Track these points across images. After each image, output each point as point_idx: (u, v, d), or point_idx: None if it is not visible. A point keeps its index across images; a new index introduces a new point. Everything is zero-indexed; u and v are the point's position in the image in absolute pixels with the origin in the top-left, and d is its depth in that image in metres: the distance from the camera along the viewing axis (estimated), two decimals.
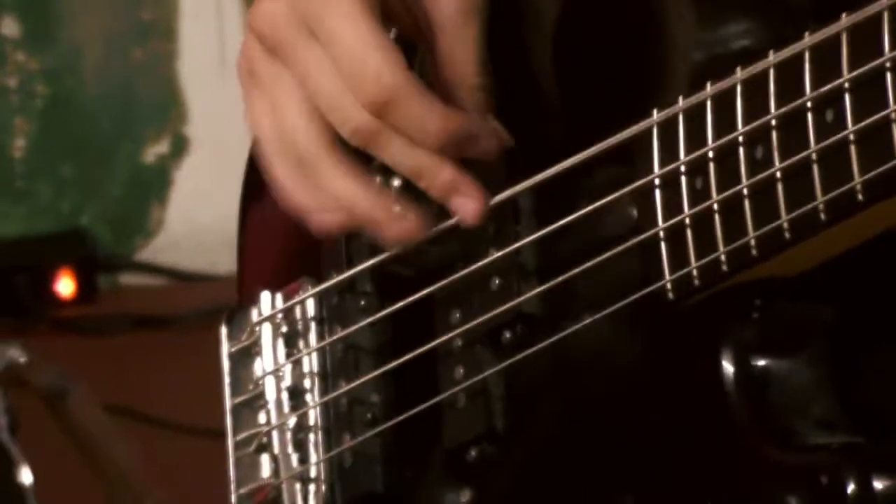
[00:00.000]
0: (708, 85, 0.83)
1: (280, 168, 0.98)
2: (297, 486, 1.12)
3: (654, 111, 0.88)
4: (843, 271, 0.86)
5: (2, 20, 3.53)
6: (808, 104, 0.79)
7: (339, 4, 0.93)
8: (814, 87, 0.79)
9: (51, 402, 2.31)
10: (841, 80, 0.78)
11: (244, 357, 1.14)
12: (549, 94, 1.05)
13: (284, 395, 1.12)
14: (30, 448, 2.37)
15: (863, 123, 0.75)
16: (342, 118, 0.94)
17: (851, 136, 0.76)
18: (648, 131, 0.89)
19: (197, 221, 3.64)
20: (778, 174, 0.80)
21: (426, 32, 0.98)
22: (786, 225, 0.81)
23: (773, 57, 0.83)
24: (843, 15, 0.81)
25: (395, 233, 0.96)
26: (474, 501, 1.05)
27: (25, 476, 2.18)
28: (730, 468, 0.89)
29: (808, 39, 0.81)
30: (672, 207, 0.88)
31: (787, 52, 0.83)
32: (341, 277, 1.09)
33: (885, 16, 0.77)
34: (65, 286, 3.20)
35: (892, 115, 0.74)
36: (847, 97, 0.78)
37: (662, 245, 0.88)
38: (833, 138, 0.77)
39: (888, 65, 0.76)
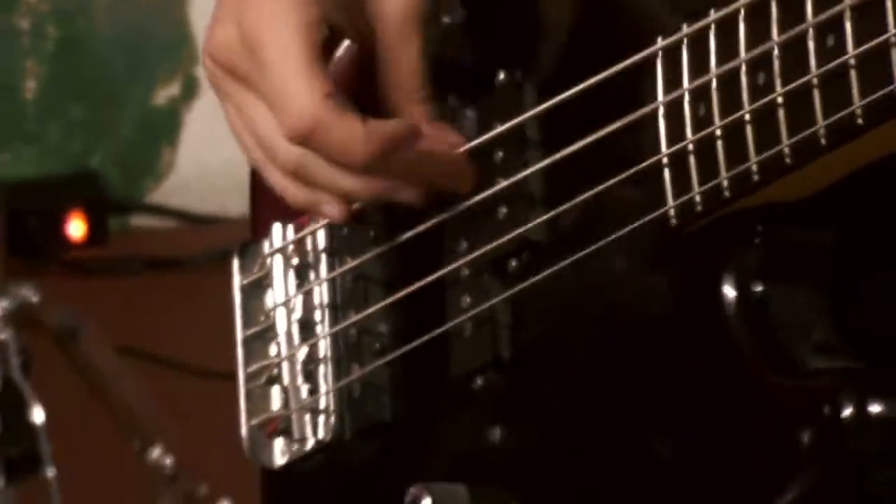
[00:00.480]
0: (711, 11, 0.85)
1: (272, 175, 1.01)
2: (307, 416, 1.14)
3: (659, 38, 0.89)
4: (843, 196, 0.86)
5: None
6: (810, 30, 0.80)
7: (278, 36, 0.96)
8: (815, 12, 0.80)
9: (62, 342, 2.32)
10: (842, 6, 0.79)
11: (256, 289, 1.16)
12: (557, 24, 1.04)
13: (295, 327, 1.15)
14: (41, 387, 2.41)
15: (862, 48, 0.77)
16: (271, 153, 0.99)
17: (851, 61, 0.78)
18: (652, 60, 0.91)
19: (208, 164, 3.55)
20: (779, 99, 0.82)
21: (372, 47, 1.02)
22: (787, 150, 0.83)
23: None
24: None
25: (404, 199, 1.00)
26: (478, 430, 1.07)
27: (37, 415, 2.23)
28: (730, 392, 0.90)
29: None
30: (675, 134, 0.90)
31: None
32: (351, 209, 1.09)
33: None
34: (76, 228, 3.10)
35: (892, 40, 0.75)
36: (848, 23, 0.79)
37: (666, 171, 0.90)
38: (833, 63, 0.78)
39: None
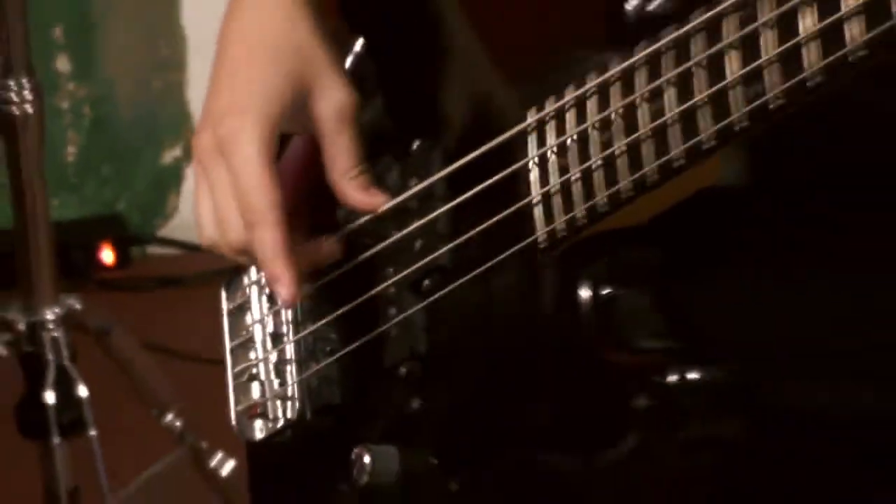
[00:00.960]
0: (570, 87, 1.17)
1: (222, 249, 1.32)
2: (279, 402, 1.50)
3: (528, 114, 1.22)
4: (667, 224, 1.18)
5: (57, 58, 4.19)
6: (640, 100, 1.12)
7: (241, 148, 1.28)
8: (645, 84, 1.11)
9: (99, 338, 2.71)
10: (660, 80, 1.10)
11: (238, 311, 1.50)
12: (455, 105, 1.38)
13: (268, 338, 1.48)
14: (84, 371, 2.58)
15: (679, 109, 1.06)
16: (227, 227, 1.30)
17: (669, 121, 1.08)
18: (525, 128, 1.22)
19: None
20: (617, 151, 1.12)
21: (315, 138, 1.36)
22: (625, 188, 1.14)
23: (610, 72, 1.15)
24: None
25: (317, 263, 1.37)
26: (403, 405, 1.42)
27: (82, 391, 2.53)
28: (586, 368, 1.24)
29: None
30: (543, 180, 1.22)
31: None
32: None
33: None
34: (106, 256, 3.89)
35: (698, 103, 1.06)
36: (666, 94, 1.10)
37: (535, 209, 1.23)
38: (657, 122, 1.09)
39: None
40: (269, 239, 1.30)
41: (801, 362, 1.29)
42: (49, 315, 2.57)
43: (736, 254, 1.26)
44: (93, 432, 2.52)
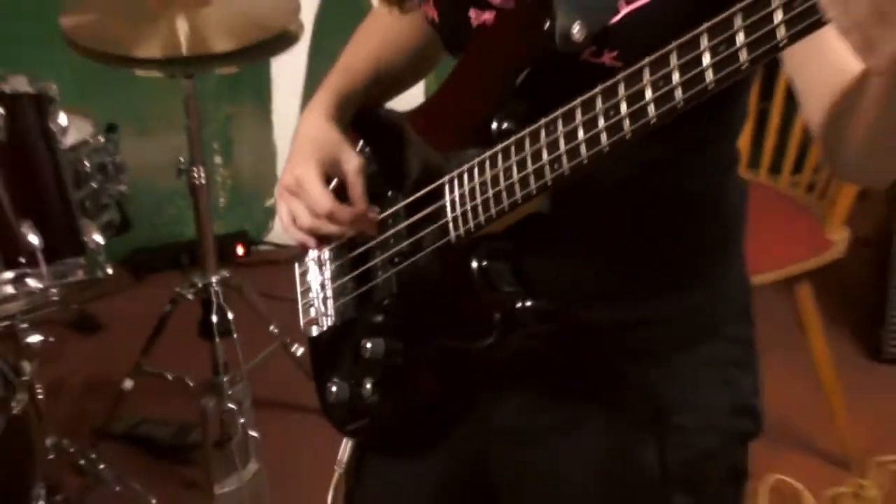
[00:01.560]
0: (464, 166, 1.76)
1: (297, 235, 2.00)
2: (322, 318, 2.14)
3: (446, 178, 1.82)
4: (515, 229, 1.76)
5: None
6: (498, 172, 1.69)
7: (309, 180, 1.95)
8: (514, 153, 1.66)
9: (238, 291, 3.88)
10: (510, 161, 1.65)
11: (303, 274, 2.19)
12: (408, 170, 1.99)
13: (317, 286, 2.15)
14: (230, 308, 3.74)
15: (520, 174, 1.62)
16: (299, 221, 1.96)
17: (518, 179, 1.64)
18: (445, 181, 1.81)
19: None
20: (489, 195, 1.70)
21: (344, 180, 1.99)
22: (492, 215, 1.71)
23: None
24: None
25: (352, 231, 1.96)
26: (380, 318, 2.04)
27: (230, 315, 3.62)
28: (472, 304, 1.82)
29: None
30: (452, 210, 1.79)
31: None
32: (337, 243, 2.06)
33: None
34: (240, 250, 4.82)
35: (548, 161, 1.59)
36: (514, 168, 1.66)
37: (449, 224, 1.82)
38: (508, 181, 1.65)
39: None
40: (337, 211, 1.96)
41: (584, 301, 1.87)
42: (213, 279, 3.73)
43: (544, 244, 1.83)
44: (235, 335, 3.63)
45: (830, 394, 3.71)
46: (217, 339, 3.59)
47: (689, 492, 1.91)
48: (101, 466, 3.56)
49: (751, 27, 1.37)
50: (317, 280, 2.13)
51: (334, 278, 2.08)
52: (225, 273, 3.69)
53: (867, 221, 3.65)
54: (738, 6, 1.37)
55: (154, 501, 3.52)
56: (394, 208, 1.94)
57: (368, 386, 1.99)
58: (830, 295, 3.89)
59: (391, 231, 1.95)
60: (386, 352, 1.97)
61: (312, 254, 2.10)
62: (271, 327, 3.96)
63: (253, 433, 3.52)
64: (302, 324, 2.14)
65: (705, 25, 1.39)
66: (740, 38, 1.38)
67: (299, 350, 3.95)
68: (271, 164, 4.89)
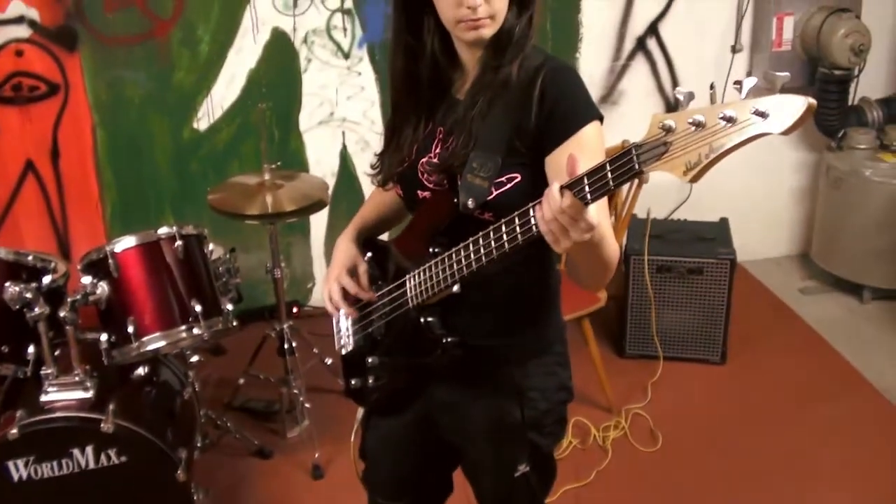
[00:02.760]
0: (433, 262, 1.71)
1: (328, 305, 1.95)
2: (348, 346, 2.06)
3: (408, 274, 1.76)
4: (447, 300, 1.74)
5: None
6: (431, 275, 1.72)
7: (340, 274, 1.90)
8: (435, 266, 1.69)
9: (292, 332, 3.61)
10: (431, 272, 1.70)
11: (337, 322, 2.09)
12: (394, 272, 1.89)
13: (344, 329, 2.08)
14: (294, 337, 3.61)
15: (435, 283, 1.71)
16: (332, 299, 1.93)
17: (435, 284, 1.70)
18: (405, 279, 1.78)
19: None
20: (430, 288, 1.71)
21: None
22: (428, 296, 1.72)
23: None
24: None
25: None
26: (375, 350, 1.97)
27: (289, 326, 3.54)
28: (419, 343, 1.81)
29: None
30: (411, 292, 1.77)
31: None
32: (376, 294, 1.95)
33: None
34: (294, 310, 4.31)
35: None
36: (434, 277, 1.70)
37: (408, 298, 1.78)
38: (437, 281, 1.69)
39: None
40: (334, 296, 1.94)
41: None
42: (285, 325, 3.61)
43: (458, 307, 1.78)
44: (296, 354, 3.57)
45: (600, 374, 3.70)
46: (287, 357, 3.58)
47: (537, 432, 1.94)
48: (228, 424, 3.55)
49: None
50: (343, 325, 2.09)
51: (353, 324, 2.05)
52: (290, 322, 3.65)
53: (613, 284, 3.69)
54: (533, 204, 1.48)
55: (256, 442, 3.52)
56: (383, 290, 1.94)
57: (371, 380, 2.01)
58: (598, 324, 3.87)
59: (382, 301, 1.94)
60: (380, 363, 1.99)
61: (342, 315, 2.04)
62: (314, 349, 3.83)
63: (306, 404, 3.61)
64: (336, 347, 2.12)
65: (531, 204, 1.48)
66: (535, 220, 1.51)
67: (329, 361, 3.82)
68: (310, 266, 4.60)
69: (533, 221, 1.42)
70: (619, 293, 3.92)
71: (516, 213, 1.46)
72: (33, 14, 3.71)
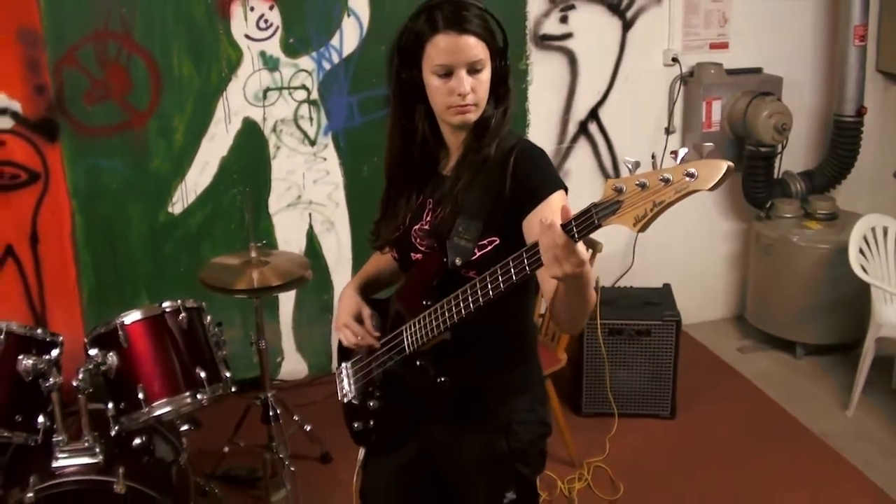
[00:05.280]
0: (423, 318, 1.87)
1: (343, 340, 2.09)
2: (347, 393, 2.18)
3: (405, 329, 1.92)
4: (440, 345, 1.88)
5: None
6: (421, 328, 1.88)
7: (347, 320, 2.07)
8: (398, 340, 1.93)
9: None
10: (420, 327, 1.88)
11: (339, 376, 2.22)
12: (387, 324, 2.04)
13: (346, 379, 2.19)
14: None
15: (422, 335, 1.88)
16: (345, 339, 2.09)
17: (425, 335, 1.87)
18: (403, 328, 1.93)
19: None
20: (422, 337, 1.87)
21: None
22: (422, 343, 1.89)
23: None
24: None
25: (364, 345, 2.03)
26: (375, 397, 2.11)
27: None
28: (418, 383, 1.94)
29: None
30: (407, 340, 1.94)
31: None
32: (354, 359, 2.14)
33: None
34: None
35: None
36: (421, 330, 1.88)
37: (405, 345, 1.94)
38: (424, 333, 1.88)
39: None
40: (348, 338, 2.08)
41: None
42: (269, 394, 3.69)
43: (450, 351, 1.92)
44: (281, 421, 3.76)
45: (563, 430, 3.88)
46: (272, 423, 3.68)
47: (522, 462, 2.07)
48: (216, 490, 3.65)
49: (516, 265, 1.67)
50: (345, 376, 2.22)
51: (355, 374, 2.19)
52: (273, 391, 3.75)
53: (569, 348, 3.88)
54: (511, 258, 1.65)
55: None
56: (383, 340, 2.09)
57: (372, 422, 2.16)
58: (557, 385, 3.97)
59: (381, 350, 2.09)
60: (380, 406, 2.13)
61: (342, 367, 2.20)
62: (294, 417, 4.00)
63: (291, 468, 3.67)
64: (340, 397, 2.25)
65: (509, 258, 1.66)
66: (514, 270, 1.67)
67: (308, 427, 3.97)
68: (279, 341, 4.76)
69: (513, 271, 1.61)
70: (574, 356, 4.09)
71: (498, 265, 1.65)
72: (16, 106, 3.90)
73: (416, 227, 1.96)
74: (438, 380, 1.90)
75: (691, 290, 4.89)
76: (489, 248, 1.83)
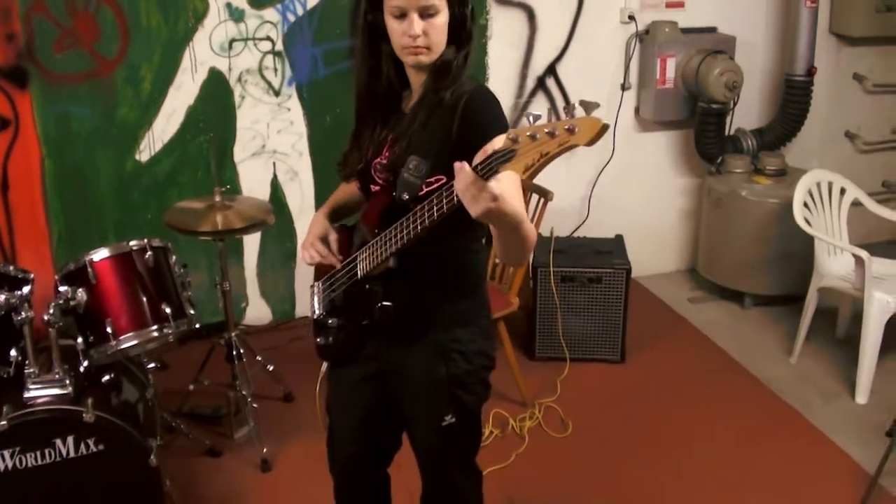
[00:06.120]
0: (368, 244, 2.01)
1: (306, 259, 2.22)
2: (316, 308, 2.30)
3: (359, 253, 2.06)
4: (387, 271, 2.00)
5: None
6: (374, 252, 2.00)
7: (314, 240, 2.22)
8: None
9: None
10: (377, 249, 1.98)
11: (311, 291, 2.32)
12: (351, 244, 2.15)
13: (316, 297, 2.31)
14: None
15: (376, 258, 2.00)
16: (308, 257, 2.20)
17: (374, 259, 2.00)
18: (358, 252, 2.08)
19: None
20: (373, 260, 2.01)
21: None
22: (373, 265, 2.02)
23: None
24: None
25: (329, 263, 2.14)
26: (334, 329, 2.22)
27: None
28: (367, 304, 2.07)
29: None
30: (361, 263, 2.07)
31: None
32: (325, 277, 2.23)
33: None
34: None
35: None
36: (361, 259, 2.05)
37: (357, 268, 2.07)
38: (376, 257, 2.00)
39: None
40: (326, 256, 2.18)
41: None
42: (233, 333, 3.82)
43: (395, 278, 2.03)
44: (244, 360, 3.84)
45: (514, 372, 4.00)
46: (236, 362, 3.80)
47: (461, 389, 2.16)
48: (182, 426, 3.76)
49: (447, 197, 1.77)
50: (315, 296, 2.34)
51: (321, 292, 2.31)
52: (236, 331, 3.86)
53: (523, 294, 3.97)
54: (441, 191, 1.76)
55: (207, 442, 3.74)
56: (344, 263, 2.22)
57: (331, 338, 2.24)
58: (511, 331, 4.07)
59: (341, 272, 2.21)
60: (338, 323, 2.23)
61: (315, 285, 2.31)
62: (257, 357, 4.08)
63: (254, 405, 3.80)
64: (310, 313, 2.36)
65: (441, 189, 1.78)
66: (445, 202, 1.78)
67: (271, 367, 4.06)
68: (244, 287, 4.86)
69: (444, 203, 1.71)
70: (527, 303, 4.24)
71: (431, 198, 1.75)
72: None
73: (377, 160, 2.06)
74: (381, 304, 2.01)
75: (646, 243, 5.05)
76: (435, 185, 1.91)
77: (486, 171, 1.57)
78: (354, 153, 2.12)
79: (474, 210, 1.62)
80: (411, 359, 2.12)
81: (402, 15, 1.92)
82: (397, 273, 1.99)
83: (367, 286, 2.05)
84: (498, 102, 1.95)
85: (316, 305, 2.29)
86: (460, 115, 1.90)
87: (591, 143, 1.44)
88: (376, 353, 2.19)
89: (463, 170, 1.59)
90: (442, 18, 1.93)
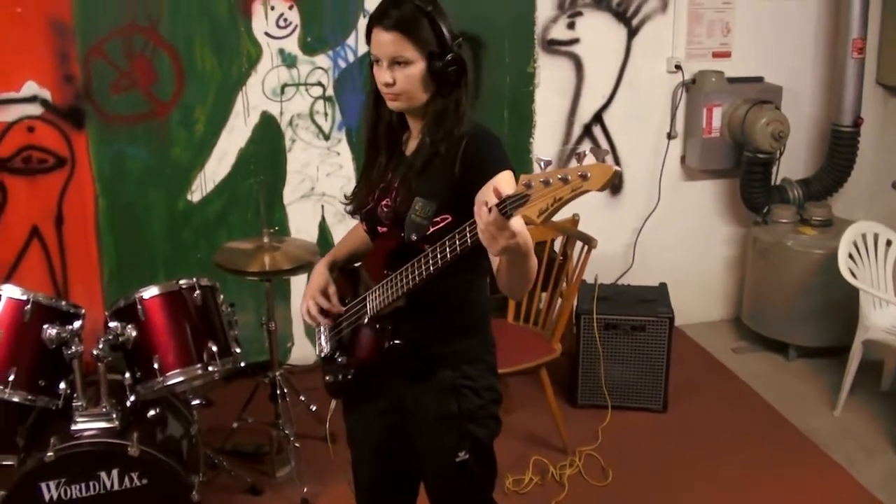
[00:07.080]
0: (383, 284, 2.03)
1: (306, 314, 2.27)
2: (323, 348, 2.33)
3: (368, 295, 2.09)
4: (397, 311, 2.04)
5: None
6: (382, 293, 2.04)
7: (315, 294, 2.23)
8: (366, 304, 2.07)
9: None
10: (386, 292, 2.02)
11: (318, 330, 2.35)
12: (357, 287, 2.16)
13: (323, 336, 2.33)
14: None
15: (383, 299, 2.03)
16: (309, 317, 2.26)
17: (384, 300, 2.04)
18: (366, 295, 2.10)
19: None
20: (382, 302, 2.05)
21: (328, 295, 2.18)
22: (383, 307, 2.04)
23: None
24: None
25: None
26: (341, 353, 2.24)
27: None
28: (376, 343, 2.08)
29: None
30: (370, 305, 2.08)
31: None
32: (330, 319, 2.23)
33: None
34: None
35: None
36: (381, 296, 2.04)
37: (367, 307, 2.11)
38: (384, 298, 2.03)
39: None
40: (312, 311, 2.22)
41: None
42: (277, 373, 3.86)
43: (405, 317, 2.04)
44: (288, 399, 3.89)
45: (556, 419, 4.02)
46: (279, 402, 3.84)
47: (474, 423, 2.18)
48: (224, 463, 3.80)
49: (460, 237, 1.81)
50: (323, 335, 2.35)
51: (329, 332, 2.33)
52: (281, 371, 3.91)
53: (566, 341, 3.98)
54: (455, 232, 1.80)
55: (249, 480, 3.75)
56: (350, 304, 2.24)
57: (340, 376, 2.27)
58: (553, 377, 4.08)
59: (349, 313, 2.23)
60: (347, 362, 2.24)
61: (322, 324, 2.32)
62: (301, 397, 4.19)
63: (296, 444, 3.83)
64: (317, 352, 2.39)
65: (454, 233, 1.81)
66: (458, 243, 1.81)
67: (314, 407, 4.19)
68: (290, 327, 4.93)
69: (458, 243, 1.74)
70: (571, 349, 4.28)
71: (445, 239, 1.79)
72: (46, 94, 4.08)
73: (383, 202, 2.10)
74: (393, 342, 2.05)
75: (690, 292, 5.04)
76: (441, 224, 1.96)
77: (503, 213, 1.61)
78: (362, 189, 2.18)
79: (494, 248, 1.66)
80: (422, 396, 2.14)
81: (378, 61, 1.98)
82: (406, 312, 2.02)
83: (377, 325, 2.08)
84: (498, 140, 1.99)
85: (323, 343, 2.32)
86: (461, 158, 1.94)
87: (602, 188, 1.47)
88: (386, 391, 2.21)
89: (483, 209, 1.63)
90: (414, 69, 1.98)
